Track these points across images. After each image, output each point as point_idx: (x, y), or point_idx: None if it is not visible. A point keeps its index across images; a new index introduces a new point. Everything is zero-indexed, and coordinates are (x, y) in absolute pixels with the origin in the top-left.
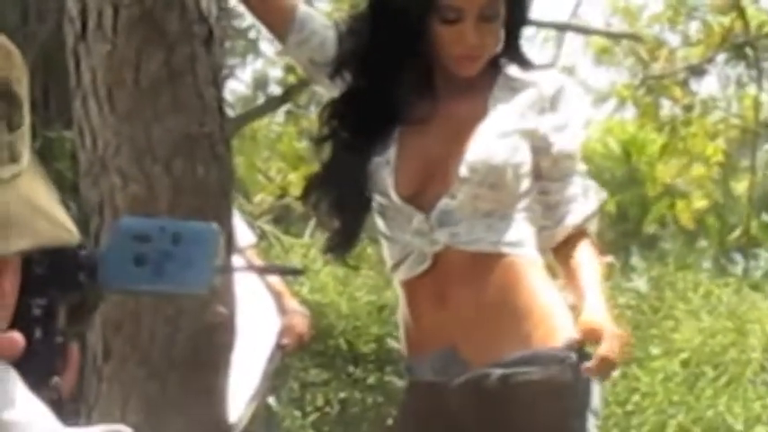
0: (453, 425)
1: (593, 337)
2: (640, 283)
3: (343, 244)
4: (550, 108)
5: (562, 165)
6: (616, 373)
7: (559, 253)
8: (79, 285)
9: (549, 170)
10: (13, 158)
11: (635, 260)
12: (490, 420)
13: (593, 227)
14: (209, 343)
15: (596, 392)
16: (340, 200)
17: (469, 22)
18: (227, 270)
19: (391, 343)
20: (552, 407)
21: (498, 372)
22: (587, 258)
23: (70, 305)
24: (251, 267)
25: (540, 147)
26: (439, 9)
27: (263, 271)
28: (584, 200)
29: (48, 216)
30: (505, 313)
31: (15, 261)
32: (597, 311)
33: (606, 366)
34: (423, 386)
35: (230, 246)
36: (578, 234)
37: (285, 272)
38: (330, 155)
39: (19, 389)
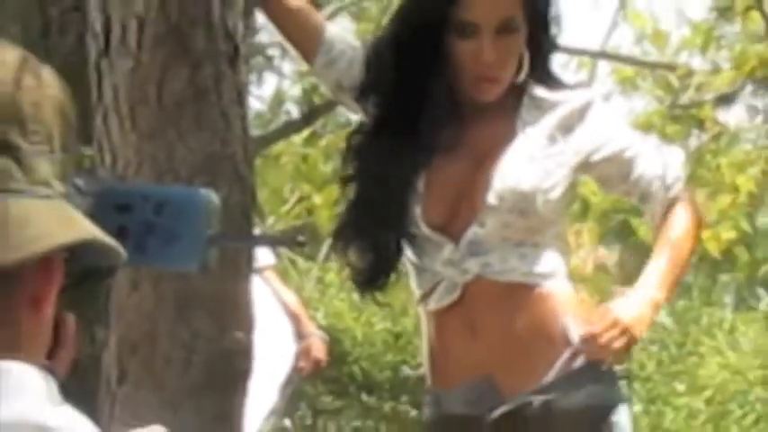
0: None
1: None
2: (664, 318)
3: (376, 280)
4: (579, 120)
5: (620, 167)
6: (638, 408)
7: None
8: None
9: (611, 175)
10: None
11: None
12: None
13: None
14: (227, 369)
15: (627, 414)
16: (376, 238)
17: (486, 38)
18: (219, 241)
19: (407, 371)
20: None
21: (540, 398)
22: (662, 241)
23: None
24: (247, 238)
25: (583, 163)
26: (454, 24)
27: (261, 242)
28: (663, 171)
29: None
30: (539, 342)
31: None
32: (627, 304)
33: (595, 351)
34: (454, 420)
35: (250, 266)
36: (669, 209)
37: (286, 242)
38: (360, 188)
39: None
